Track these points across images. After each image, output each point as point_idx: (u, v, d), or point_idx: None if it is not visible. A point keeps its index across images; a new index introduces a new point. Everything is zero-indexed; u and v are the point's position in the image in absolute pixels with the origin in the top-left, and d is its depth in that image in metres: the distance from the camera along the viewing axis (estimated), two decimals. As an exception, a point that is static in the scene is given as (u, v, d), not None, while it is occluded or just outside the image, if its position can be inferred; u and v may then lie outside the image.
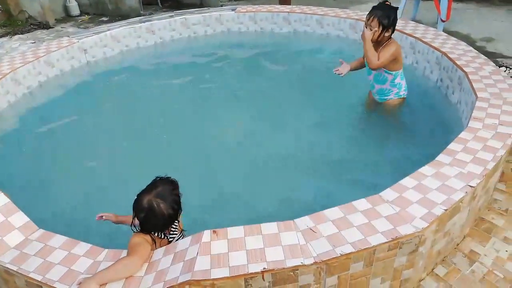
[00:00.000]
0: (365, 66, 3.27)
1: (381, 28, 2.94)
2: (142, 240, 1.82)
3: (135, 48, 4.96)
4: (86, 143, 3.32)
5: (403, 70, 3.23)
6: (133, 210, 1.82)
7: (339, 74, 3.24)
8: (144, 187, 1.84)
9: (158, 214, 1.78)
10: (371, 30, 2.96)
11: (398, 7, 3.08)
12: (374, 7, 3.00)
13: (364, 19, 3.06)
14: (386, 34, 3.00)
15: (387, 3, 3.02)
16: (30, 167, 3.06)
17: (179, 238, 1.98)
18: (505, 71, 4.23)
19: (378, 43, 3.05)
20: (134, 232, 1.89)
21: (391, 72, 3.14)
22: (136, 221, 1.85)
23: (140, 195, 1.81)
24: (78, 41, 4.51)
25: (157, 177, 1.88)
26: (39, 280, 1.73)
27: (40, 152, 3.23)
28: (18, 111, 3.80)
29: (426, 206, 1.88)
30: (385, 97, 3.27)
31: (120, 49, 4.87)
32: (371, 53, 2.98)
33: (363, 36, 3.05)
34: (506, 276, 2.05)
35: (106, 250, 1.86)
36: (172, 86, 4.19)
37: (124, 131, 3.47)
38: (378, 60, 2.99)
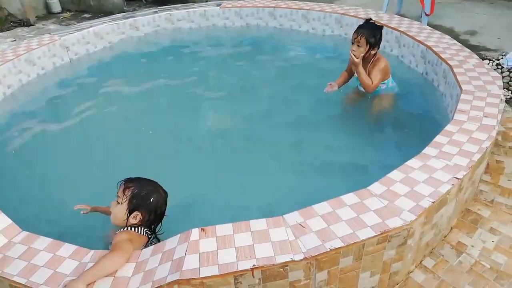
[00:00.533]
0: (349, 79, 3.45)
1: (368, 46, 3.07)
2: (128, 237, 1.88)
3: (119, 45, 4.88)
4: (70, 143, 3.26)
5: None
6: (135, 200, 1.92)
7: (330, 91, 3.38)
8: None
9: (162, 202, 1.98)
10: (358, 47, 3.07)
11: (383, 26, 3.20)
12: (360, 26, 3.13)
13: (354, 31, 3.13)
14: (372, 52, 3.13)
15: (371, 21, 3.15)
16: (12, 168, 2.98)
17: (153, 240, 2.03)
18: (488, 63, 4.28)
19: (365, 60, 3.18)
20: (118, 232, 1.95)
21: (384, 82, 3.29)
22: (131, 221, 1.93)
23: (150, 182, 1.98)
24: (60, 38, 4.41)
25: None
26: (23, 283, 1.69)
27: (22, 153, 3.15)
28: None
29: (413, 199, 1.89)
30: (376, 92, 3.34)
31: (103, 46, 4.78)
32: (365, 78, 3.14)
33: (354, 62, 3.15)
34: (493, 266, 2.08)
35: (93, 251, 1.82)
36: (157, 82, 4.13)
37: (109, 129, 3.41)
38: (372, 83, 3.14)
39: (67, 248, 1.84)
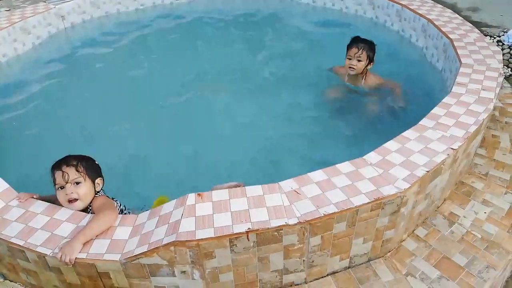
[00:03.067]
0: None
1: (367, 61, 3.05)
2: (106, 198, 1.94)
3: (115, 15, 4.79)
4: (65, 111, 3.25)
5: None
6: (91, 169, 1.92)
7: None
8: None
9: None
10: (359, 61, 3.03)
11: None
12: (357, 40, 3.06)
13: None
14: (369, 67, 3.09)
15: (361, 37, 3.10)
16: (8, 135, 2.97)
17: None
18: (490, 40, 4.24)
19: (360, 74, 3.13)
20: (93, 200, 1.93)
21: None
22: (96, 189, 1.94)
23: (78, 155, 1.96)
24: (54, 7, 4.33)
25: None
26: (21, 245, 1.71)
27: (18, 119, 3.14)
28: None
29: (408, 168, 1.90)
30: None
31: (99, 16, 4.69)
32: None
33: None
34: (484, 236, 2.12)
35: (89, 215, 1.84)
36: (153, 52, 4.09)
37: (102, 99, 3.38)
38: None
39: (64, 212, 1.86)
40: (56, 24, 4.35)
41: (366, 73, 3.14)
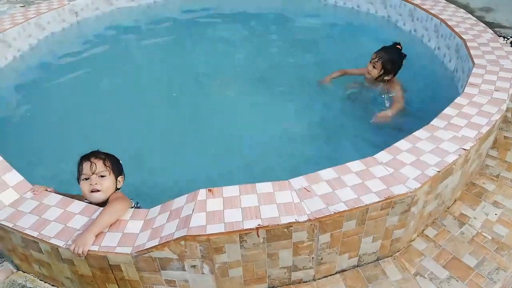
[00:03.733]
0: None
1: (382, 71, 2.95)
2: (123, 194, 1.99)
3: (127, 11, 4.83)
4: (77, 105, 3.29)
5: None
6: (116, 166, 2.00)
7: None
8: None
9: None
10: (374, 67, 2.97)
11: (405, 55, 2.98)
12: (382, 48, 2.98)
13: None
14: (386, 78, 2.98)
15: (398, 46, 2.99)
16: (23, 129, 3.03)
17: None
18: (503, 41, 4.20)
19: (376, 80, 3.05)
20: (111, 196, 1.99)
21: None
22: (118, 186, 2.01)
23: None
24: (69, 3, 4.38)
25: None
26: (35, 236, 1.74)
27: (33, 114, 3.20)
28: (9, 73, 3.72)
29: (419, 167, 1.90)
30: None
31: (112, 12, 4.74)
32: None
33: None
34: (494, 238, 2.11)
35: (101, 208, 1.87)
36: (163, 49, 4.12)
37: (114, 94, 3.42)
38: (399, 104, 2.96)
39: (77, 205, 1.89)
40: (69, 20, 4.40)
41: (383, 81, 3.04)
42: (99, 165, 1.93)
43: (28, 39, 4.03)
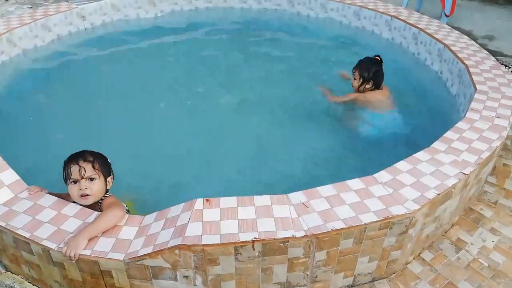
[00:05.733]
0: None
1: (361, 80, 3.12)
2: (116, 199, 1.95)
3: (135, 19, 4.88)
4: (77, 108, 3.28)
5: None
6: (104, 167, 1.94)
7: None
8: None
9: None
10: (354, 79, 3.18)
11: (382, 63, 3.19)
12: (360, 60, 3.21)
13: None
14: (367, 86, 3.14)
15: (376, 57, 3.19)
16: (21, 129, 3.01)
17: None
18: (505, 69, 4.24)
19: (359, 91, 3.20)
20: (103, 198, 1.95)
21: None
22: (108, 186, 1.96)
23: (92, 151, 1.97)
24: (77, 7, 4.41)
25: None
26: (27, 237, 1.72)
27: (31, 114, 3.18)
28: (11, 73, 3.73)
29: (419, 189, 1.89)
30: None
31: (119, 19, 4.78)
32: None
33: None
34: (491, 265, 2.09)
35: (96, 212, 1.85)
36: (167, 60, 4.14)
37: (116, 99, 3.42)
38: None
39: (71, 207, 1.87)
40: (77, 23, 4.43)
41: (365, 92, 3.16)
42: (88, 169, 1.85)
43: (34, 39, 4.05)
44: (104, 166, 1.94)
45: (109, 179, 1.97)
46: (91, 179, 1.87)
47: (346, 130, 3.15)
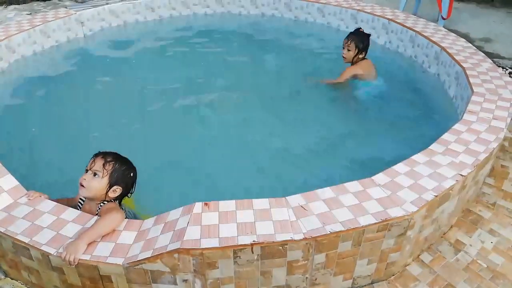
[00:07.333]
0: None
1: (356, 50, 3.43)
2: (117, 206, 1.96)
3: (133, 25, 4.90)
4: (76, 113, 3.29)
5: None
6: (117, 174, 1.94)
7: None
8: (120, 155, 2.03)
9: (136, 177, 2.03)
10: (348, 51, 3.45)
11: (370, 34, 3.55)
12: (351, 33, 3.52)
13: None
14: (360, 56, 3.47)
15: (360, 30, 3.53)
16: (21, 135, 3.02)
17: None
18: (502, 71, 4.26)
19: (353, 63, 3.51)
20: (103, 205, 1.96)
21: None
22: (110, 194, 1.95)
23: (124, 157, 2.01)
24: (75, 13, 4.43)
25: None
26: (26, 242, 1.72)
27: (30, 119, 3.19)
28: (10, 79, 3.74)
29: (417, 191, 1.90)
30: None
31: (118, 24, 4.80)
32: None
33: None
34: (490, 266, 2.09)
35: (95, 217, 1.85)
36: (166, 66, 4.15)
37: (115, 105, 3.42)
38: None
39: (70, 212, 1.87)
40: (75, 29, 4.45)
41: (357, 62, 3.47)
42: (97, 164, 1.92)
43: (33, 45, 4.06)
44: (116, 172, 1.93)
45: (115, 187, 1.94)
46: (95, 174, 1.91)
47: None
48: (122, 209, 2.03)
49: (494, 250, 2.19)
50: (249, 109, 3.41)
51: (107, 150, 1.99)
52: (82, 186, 1.91)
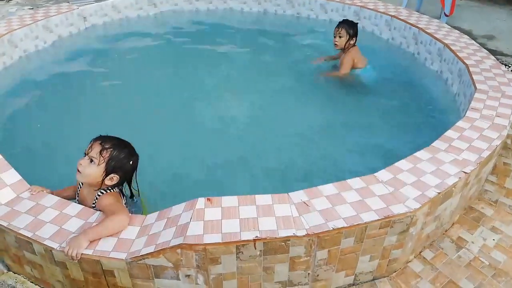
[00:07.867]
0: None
1: (347, 37, 3.61)
2: (116, 198, 1.90)
3: (135, 20, 4.89)
4: (78, 108, 3.29)
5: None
6: (114, 162, 1.87)
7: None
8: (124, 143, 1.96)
9: (137, 164, 1.96)
10: (340, 37, 3.63)
11: (357, 22, 3.74)
12: (341, 22, 3.71)
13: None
14: (351, 42, 3.65)
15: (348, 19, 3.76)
16: (24, 130, 3.02)
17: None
18: (505, 68, 4.25)
19: (343, 50, 3.70)
20: (100, 194, 1.92)
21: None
22: (106, 182, 1.89)
23: (125, 143, 1.93)
24: (77, 8, 4.43)
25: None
26: (29, 236, 1.72)
27: (33, 115, 3.19)
28: (13, 74, 3.74)
29: (419, 188, 1.90)
30: None
31: (120, 19, 4.79)
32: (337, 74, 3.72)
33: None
34: (492, 263, 2.09)
35: (98, 212, 1.85)
36: (167, 61, 4.15)
37: (118, 100, 3.42)
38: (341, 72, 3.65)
39: (73, 207, 1.87)
40: (77, 24, 4.45)
41: (347, 48, 3.64)
42: (95, 150, 1.85)
43: (35, 40, 4.06)
44: (114, 159, 1.86)
45: (112, 176, 1.89)
46: (91, 160, 1.86)
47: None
48: (123, 195, 1.98)
49: (496, 247, 2.19)
50: (252, 105, 3.42)
51: (108, 135, 1.92)
52: (78, 170, 1.87)
